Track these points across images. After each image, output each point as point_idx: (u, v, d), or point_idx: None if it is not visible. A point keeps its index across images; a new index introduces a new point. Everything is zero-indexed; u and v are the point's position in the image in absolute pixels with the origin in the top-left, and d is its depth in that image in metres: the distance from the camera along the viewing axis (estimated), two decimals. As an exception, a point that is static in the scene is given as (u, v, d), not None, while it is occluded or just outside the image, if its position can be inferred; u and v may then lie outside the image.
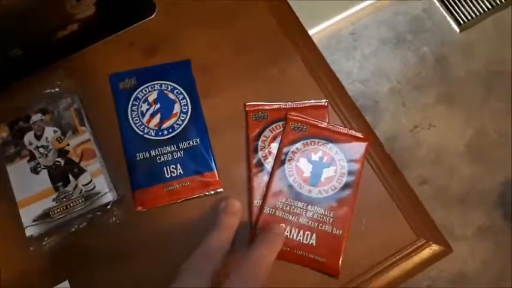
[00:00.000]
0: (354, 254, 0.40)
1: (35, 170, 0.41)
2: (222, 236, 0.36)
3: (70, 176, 0.41)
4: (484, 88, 1.48)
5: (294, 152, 0.43)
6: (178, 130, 0.43)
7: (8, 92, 0.44)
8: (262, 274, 0.32)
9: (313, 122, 0.43)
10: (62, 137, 0.42)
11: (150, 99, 0.44)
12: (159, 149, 0.42)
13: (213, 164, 0.42)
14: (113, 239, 0.41)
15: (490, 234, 1.37)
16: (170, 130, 0.43)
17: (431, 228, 0.42)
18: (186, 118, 0.44)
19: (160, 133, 0.43)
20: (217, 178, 0.42)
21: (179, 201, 0.42)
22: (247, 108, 0.44)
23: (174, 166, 0.42)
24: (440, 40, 1.53)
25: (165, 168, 0.42)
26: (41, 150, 0.42)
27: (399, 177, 0.43)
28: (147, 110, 0.44)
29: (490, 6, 1.55)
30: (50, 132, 0.42)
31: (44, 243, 0.39)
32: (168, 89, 0.44)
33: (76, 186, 0.41)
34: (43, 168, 0.41)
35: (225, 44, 0.47)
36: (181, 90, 0.44)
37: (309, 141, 0.43)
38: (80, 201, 0.40)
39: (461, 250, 1.35)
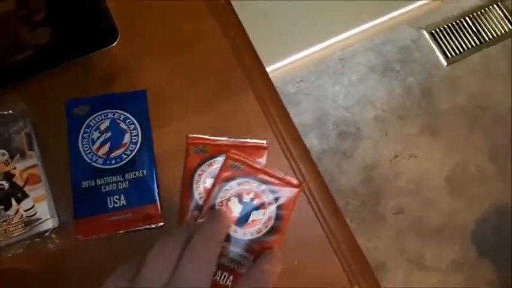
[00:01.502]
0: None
1: None
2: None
3: (13, 200, 0.41)
4: (467, 123, 1.50)
5: (226, 190, 0.43)
6: (126, 160, 0.43)
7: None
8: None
9: (251, 163, 0.43)
10: (9, 160, 0.42)
11: (102, 127, 0.44)
12: (105, 178, 0.43)
13: (157, 197, 0.43)
14: (50, 265, 0.41)
15: (462, 268, 1.37)
16: (118, 160, 0.43)
17: (367, 274, 0.42)
18: (135, 149, 0.44)
19: (108, 162, 0.43)
20: (160, 211, 0.42)
21: (120, 232, 0.42)
22: (189, 141, 0.45)
23: (117, 196, 0.42)
24: (427, 72, 1.55)
25: (109, 198, 0.42)
26: None
27: (340, 220, 0.44)
28: (98, 138, 0.44)
29: (478, 42, 1.57)
30: None
31: None
32: (121, 118, 0.45)
33: (17, 211, 0.41)
34: None
35: (181, 75, 0.47)
36: (134, 120, 0.45)
37: (243, 180, 0.43)
38: (20, 226, 0.40)
39: (432, 282, 1.35)
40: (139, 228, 0.42)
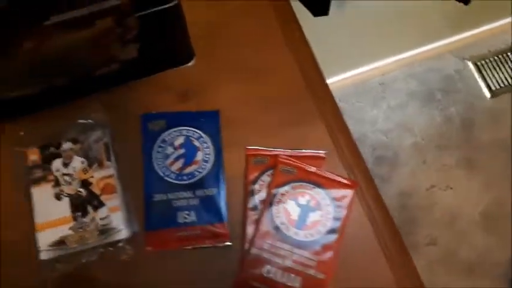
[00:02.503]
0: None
1: (57, 196, 0.43)
2: None
3: (89, 208, 0.43)
4: (507, 157, 1.47)
5: (282, 194, 0.44)
6: (198, 177, 0.45)
7: (44, 116, 0.46)
8: None
9: (302, 166, 0.44)
10: (88, 168, 0.44)
11: (176, 143, 0.46)
12: (177, 193, 0.44)
13: (225, 216, 0.44)
14: (121, 275, 0.42)
15: (493, 308, 1.33)
16: (190, 176, 0.45)
17: (414, 278, 0.43)
18: (207, 167, 0.45)
19: (180, 178, 0.45)
20: (227, 231, 0.43)
21: (188, 247, 0.43)
22: (248, 152, 0.46)
23: (187, 212, 0.43)
24: (469, 103, 1.53)
25: (179, 213, 0.43)
26: (66, 178, 0.43)
27: (391, 225, 0.44)
28: (172, 153, 0.45)
29: (524, 77, 1.54)
30: (77, 162, 0.44)
31: (54, 269, 0.41)
32: (194, 136, 0.46)
33: (93, 218, 0.43)
34: (65, 196, 0.43)
35: (254, 100, 0.49)
36: (207, 139, 0.46)
37: (297, 184, 0.44)
38: (95, 233, 0.42)
39: (461, 320, 1.31)
40: (206, 245, 0.43)
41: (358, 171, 0.46)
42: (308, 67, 0.50)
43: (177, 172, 0.45)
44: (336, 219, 0.43)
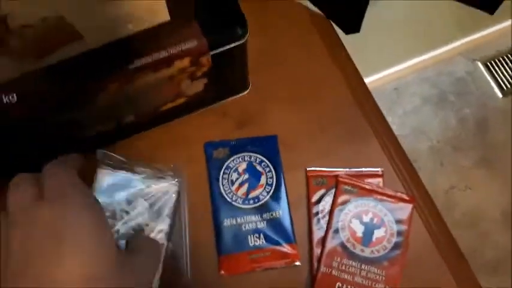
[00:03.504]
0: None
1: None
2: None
3: None
4: (523, 156, 1.49)
5: (346, 213, 0.46)
6: (263, 201, 0.47)
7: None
8: None
9: (362, 185, 0.47)
10: (147, 215, 0.43)
11: (240, 169, 0.48)
12: (245, 217, 0.46)
13: (293, 237, 0.46)
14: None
15: (520, 305, 1.35)
16: (256, 200, 0.47)
17: (475, 285, 0.45)
18: (270, 190, 0.47)
19: (246, 202, 0.47)
20: (296, 251, 0.45)
21: (259, 270, 0.45)
22: (308, 174, 0.48)
23: (257, 235, 0.46)
24: (482, 104, 1.55)
25: (249, 236, 0.46)
26: (124, 215, 0.42)
27: (449, 236, 0.48)
28: (237, 179, 0.48)
29: (534, 75, 1.57)
30: (141, 204, 0.43)
31: None
32: (257, 161, 0.48)
33: None
34: (115, 232, 0.41)
35: (308, 122, 0.51)
36: (268, 163, 0.48)
37: (359, 202, 0.46)
38: None
39: (490, 319, 1.33)
40: (276, 266, 0.45)
41: (414, 186, 0.48)
42: (356, 85, 0.52)
43: (243, 197, 0.47)
44: (399, 234, 0.45)
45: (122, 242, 0.39)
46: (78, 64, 0.37)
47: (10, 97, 0.37)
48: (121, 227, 0.41)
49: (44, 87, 0.37)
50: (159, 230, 0.42)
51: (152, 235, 0.42)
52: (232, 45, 0.41)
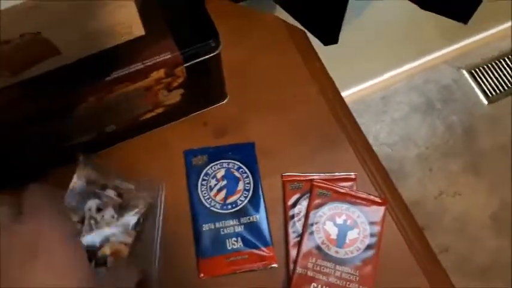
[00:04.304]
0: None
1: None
2: None
3: (93, 261, 0.43)
4: (509, 162, 1.51)
5: (320, 216, 0.48)
6: (241, 206, 0.49)
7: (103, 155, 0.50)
8: None
9: (336, 188, 0.49)
10: (114, 226, 0.44)
11: (218, 175, 0.50)
12: (223, 221, 0.48)
13: (270, 240, 0.47)
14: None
15: (511, 309, 1.36)
16: (234, 205, 0.49)
17: (446, 283, 0.47)
18: (248, 195, 0.49)
19: (225, 207, 0.49)
20: (273, 253, 0.47)
21: (238, 272, 0.46)
22: (284, 179, 0.50)
23: (235, 239, 0.47)
24: (468, 110, 1.58)
25: (227, 240, 0.47)
26: (92, 222, 0.43)
27: (421, 237, 0.49)
28: (215, 185, 0.49)
29: (518, 82, 1.60)
30: (109, 213, 0.44)
31: None
32: (235, 168, 0.50)
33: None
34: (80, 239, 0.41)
35: (284, 131, 0.53)
36: (246, 169, 0.50)
37: (333, 205, 0.48)
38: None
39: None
40: (254, 269, 0.47)
41: (386, 189, 0.50)
42: (332, 95, 0.55)
43: (221, 202, 0.49)
44: (372, 235, 0.47)
45: (101, 271, 0.41)
46: (55, 77, 0.39)
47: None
48: (87, 233, 0.42)
49: (21, 100, 0.39)
50: (123, 242, 0.43)
51: (115, 246, 0.43)
52: (206, 56, 0.43)
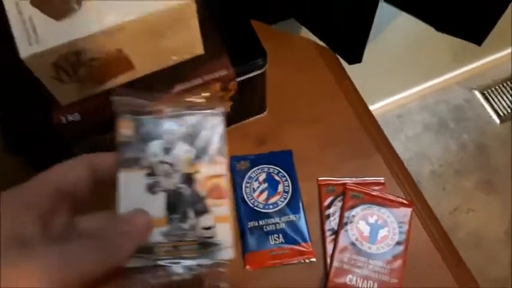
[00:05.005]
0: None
1: (151, 189, 0.32)
2: None
3: (190, 212, 0.32)
4: (523, 178, 1.55)
5: (353, 216, 0.53)
6: (281, 206, 0.54)
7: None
8: None
9: (367, 191, 0.54)
10: (193, 161, 0.33)
11: (260, 179, 0.56)
12: (266, 220, 0.53)
13: (308, 237, 0.53)
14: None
15: (527, 324, 1.37)
16: (275, 205, 0.54)
17: (470, 277, 0.52)
18: (287, 197, 0.55)
19: (267, 207, 0.54)
20: (311, 249, 0.52)
21: (279, 265, 0.52)
22: (319, 183, 0.56)
23: (277, 235, 0.53)
24: (480, 129, 1.63)
25: (270, 236, 0.53)
26: (166, 167, 0.33)
27: (444, 235, 0.55)
28: (258, 187, 0.55)
29: (529, 102, 1.65)
30: (181, 149, 0.33)
31: (136, 281, 0.31)
32: (274, 172, 0.56)
33: (194, 226, 0.32)
34: (161, 190, 0.32)
35: (318, 140, 0.59)
36: (285, 173, 0.56)
37: (365, 206, 0.54)
38: (194, 247, 0.31)
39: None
40: (294, 262, 0.52)
41: (412, 192, 0.56)
42: (360, 109, 0.61)
43: (264, 202, 0.54)
44: (400, 233, 0.52)
45: (162, 196, 0.32)
46: (130, 88, 0.46)
47: (74, 116, 0.46)
48: (165, 182, 0.32)
49: (103, 107, 0.45)
50: (219, 175, 0.33)
51: (217, 182, 0.33)
52: (256, 73, 0.49)
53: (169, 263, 0.31)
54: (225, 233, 0.32)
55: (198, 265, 0.32)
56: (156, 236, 0.31)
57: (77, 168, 0.30)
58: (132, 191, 0.32)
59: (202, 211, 0.32)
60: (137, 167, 0.32)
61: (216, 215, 0.32)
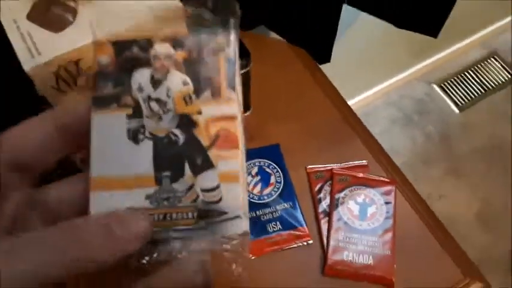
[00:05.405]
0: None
1: (134, 136, 0.23)
2: None
3: (187, 167, 0.23)
4: (485, 163, 1.65)
5: (343, 197, 0.57)
6: (275, 196, 0.57)
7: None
8: None
9: (353, 174, 0.59)
10: (193, 97, 0.23)
11: (253, 172, 0.59)
12: (262, 209, 0.56)
13: (304, 221, 0.56)
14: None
15: (507, 299, 1.45)
16: (269, 195, 0.57)
17: (459, 249, 0.55)
18: (280, 187, 0.58)
19: (262, 198, 0.57)
20: (308, 232, 0.56)
21: (280, 250, 0.55)
22: (308, 171, 0.60)
23: (274, 223, 0.56)
24: (442, 120, 1.72)
25: (267, 224, 0.56)
26: (153, 105, 0.23)
27: (427, 208, 0.59)
28: (251, 181, 0.58)
29: (483, 91, 1.76)
30: (176, 80, 0.24)
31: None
32: (265, 165, 0.59)
33: (191, 187, 0.23)
34: (148, 138, 0.23)
35: (302, 132, 0.63)
36: (275, 166, 0.59)
37: (352, 188, 0.58)
38: (191, 214, 0.22)
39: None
40: (293, 246, 0.55)
41: (393, 171, 0.60)
42: (337, 101, 0.65)
43: (258, 194, 0.57)
44: (388, 209, 0.56)
45: (149, 145, 0.23)
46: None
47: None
48: (153, 125, 0.23)
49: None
50: (229, 116, 0.24)
51: (227, 126, 0.24)
52: (241, 72, 0.53)
53: (158, 237, 0.22)
54: (234, 197, 0.23)
55: (197, 241, 0.22)
56: (140, 198, 0.22)
57: (38, 130, 0.22)
58: (109, 139, 0.23)
59: (203, 166, 0.23)
60: (116, 106, 0.23)
61: (223, 172, 0.23)
